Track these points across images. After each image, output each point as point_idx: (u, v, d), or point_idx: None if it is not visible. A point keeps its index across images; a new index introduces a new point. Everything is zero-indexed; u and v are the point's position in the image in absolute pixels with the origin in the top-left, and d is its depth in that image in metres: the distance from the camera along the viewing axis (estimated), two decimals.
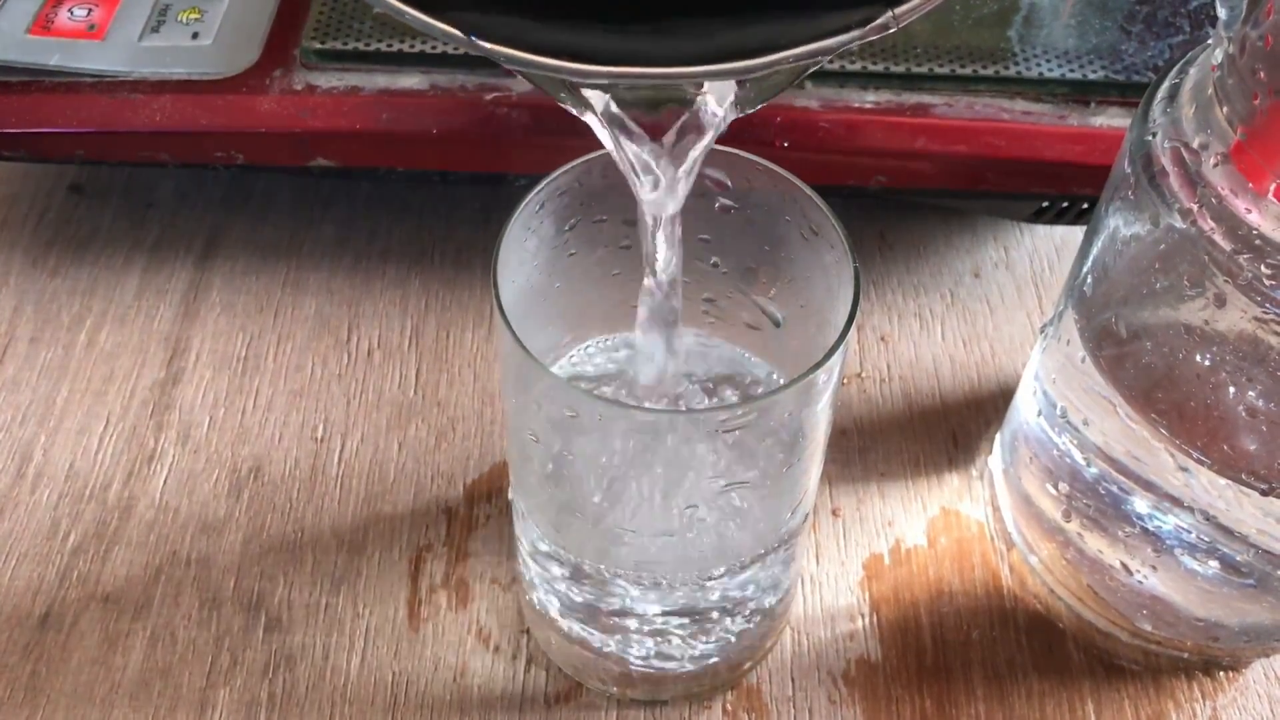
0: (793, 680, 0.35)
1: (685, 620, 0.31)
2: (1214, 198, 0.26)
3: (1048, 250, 0.46)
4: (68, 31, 0.41)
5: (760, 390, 0.32)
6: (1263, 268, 0.25)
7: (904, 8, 0.20)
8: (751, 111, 0.24)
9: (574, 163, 0.27)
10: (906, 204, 0.45)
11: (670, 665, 0.33)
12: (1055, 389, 0.33)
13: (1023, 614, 0.37)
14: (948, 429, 0.41)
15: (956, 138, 0.39)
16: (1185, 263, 0.27)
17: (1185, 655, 0.35)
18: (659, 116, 0.24)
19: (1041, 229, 0.47)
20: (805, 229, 0.28)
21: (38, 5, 0.42)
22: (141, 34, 0.41)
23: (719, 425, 0.25)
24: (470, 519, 0.38)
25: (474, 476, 0.39)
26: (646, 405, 0.30)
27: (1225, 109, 0.26)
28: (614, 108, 0.24)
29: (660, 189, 0.25)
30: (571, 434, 0.26)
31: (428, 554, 0.38)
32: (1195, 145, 0.27)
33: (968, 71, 0.40)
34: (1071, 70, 0.39)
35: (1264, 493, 0.29)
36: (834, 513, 0.39)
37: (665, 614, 0.31)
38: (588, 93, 0.24)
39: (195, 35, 0.41)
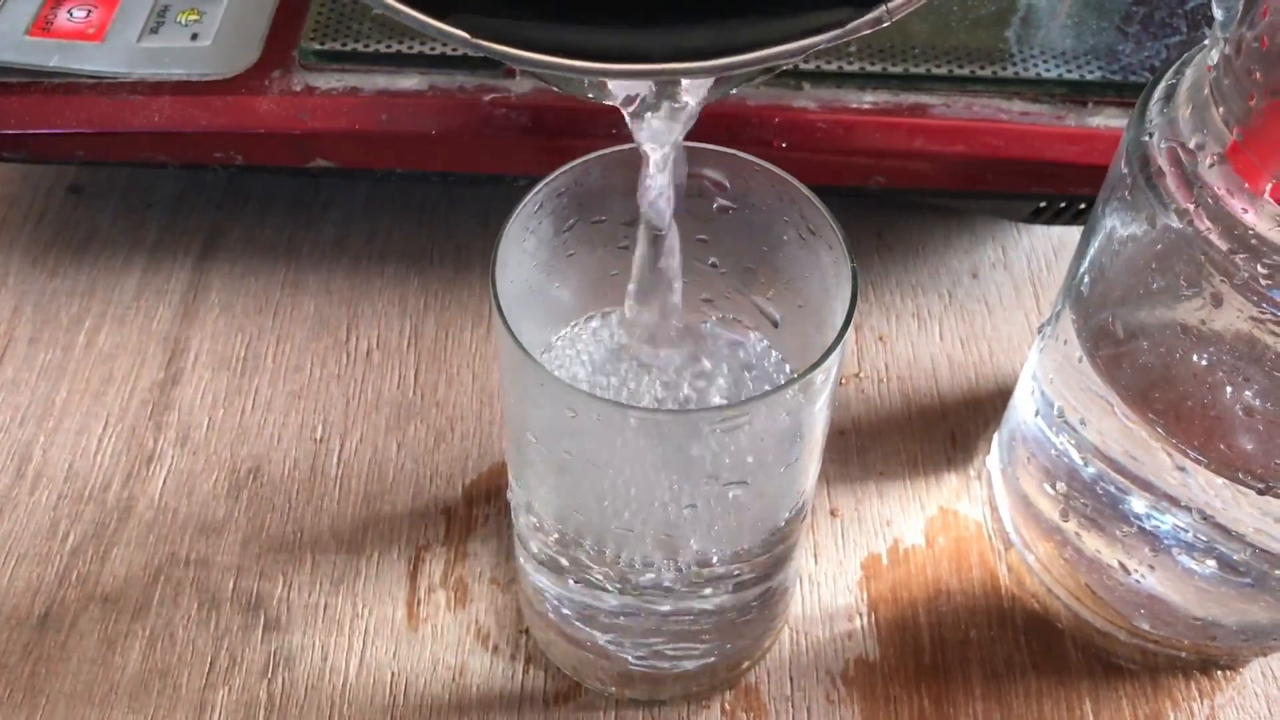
0: (791, 680, 0.35)
1: (684, 619, 0.31)
2: (1210, 198, 0.26)
3: (1045, 250, 0.46)
4: (67, 32, 0.41)
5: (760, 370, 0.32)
6: (1259, 267, 0.25)
7: (897, 1, 0.20)
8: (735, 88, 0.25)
9: (572, 163, 0.27)
10: (904, 204, 0.45)
11: (668, 665, 0.33)
12: (1053, 389, 0.33)
13: (1021, 613, 0.37)
14: (946, 429, 0.41)
15: (954, 138, 0.39)
16: (1182, 262, 0.27)
17: (1183, 654, 0.35)
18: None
19: (1039, 229, 0.47)
20: (803, 229, 0.28)
21: (37, 6, 0.42)
22: (141, 35, 0.41)
23: (717, 425, 0.25)
24: (469, 519, 0.38)
25: (473, 477, 0.39)
26: (645, 405, 0.30)
27: (1221, 109, 0.26)
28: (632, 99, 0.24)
29: (659, 121, 0.25)
30: (569, 433, 0.26)
31: (426, 554, 0.38)
32: (1192, 145, 0.27)
33: (965, 72, 0.40)
34: (1069, 71, 0.40)
35: (1261, 492, 0.29)
36: (832, 512, 0.39)
37: (664, 613, 0.31)
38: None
39: (194, 36, 0.41)
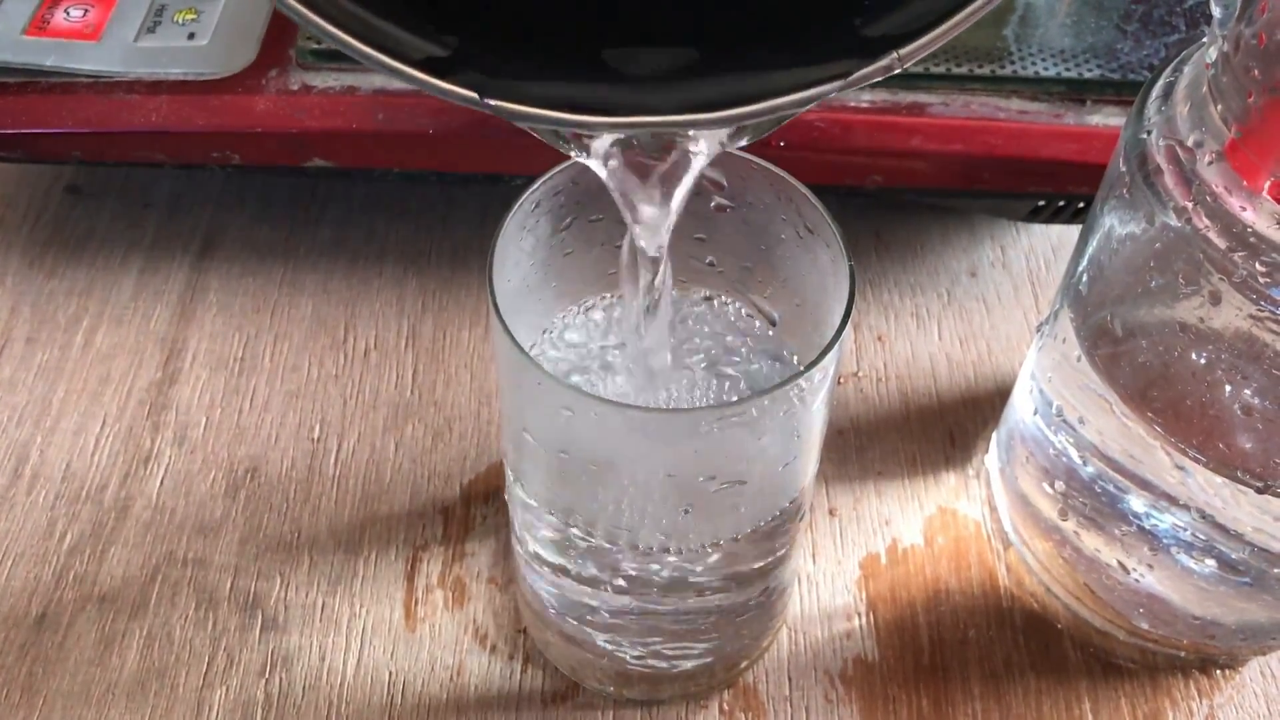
0: (789, 679, 0.35)
1: (682, 620, 0.31)
2: (1209, 196, 0.26)
3: (1044, 249, 0.46)
4: (64, 32, 0.41)
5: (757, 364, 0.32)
6: (1257, 265, 0.25)
7: (908, 49, 0.20)
8: (754, 140, 0.25)
9: (569, 162, 0.27)
10: (903, 203, 0.45)
11: (667, 664, 0.33)
12: (1051, 388, 0.33)
13: (1019, 613, 0.37)
14: (944, 428, 0.41)
15: (952, 137, 0.39)
16: (1180, 261, 0.27)
17: (1182, 654, 0.35)
18: (659, 153, 0.24)
19: (1038, 228, 0.47)
20: (801, 228, 0.28)
21: (34, 5, 0.42)
22: (138, 34, 0.41)
23: (714, 424, 0.25)
24: (467, 519, 0.38)
25: (471, 476, 0.39)
26: (643, 404, 0.30)
27: (1220, 107, 0.26)
28: (612, 153, 0.24)
29: (652, 217, 0.25)
30: (567, 432, 0.26)
31: (424, 554, 0.38)
32: (1190, 143, 0.27)
33: (963, 70, 0.40)
34: (1067, 69, 0.40)
35: (1260, 490, 0.29)
36: (831, 512, 0.39)
37: (662, 612, 0.31)
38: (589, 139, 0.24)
39: (191, 35, 0.41)
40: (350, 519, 0.38)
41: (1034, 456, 0.35)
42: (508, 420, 0.29)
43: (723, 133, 0.24)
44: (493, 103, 0.21)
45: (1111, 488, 0.32)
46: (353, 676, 0.35)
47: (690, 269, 0.31)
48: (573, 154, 0.25)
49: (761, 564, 0.31)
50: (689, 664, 0.33)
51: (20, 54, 0.41)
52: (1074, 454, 0.33)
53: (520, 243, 0.28)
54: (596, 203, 0.29)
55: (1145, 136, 0.28)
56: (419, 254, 0.46)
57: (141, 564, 0.37)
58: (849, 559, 0.38)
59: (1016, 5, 0.41)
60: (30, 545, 0.38)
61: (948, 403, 0.42)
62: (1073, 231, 0.46)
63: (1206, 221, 0.26)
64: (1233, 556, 0.31)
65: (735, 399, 0.31)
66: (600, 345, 0.32)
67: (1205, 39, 0.27)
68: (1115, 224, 0.29)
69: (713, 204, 0.29)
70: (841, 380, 0.42)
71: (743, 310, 0.32)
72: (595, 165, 0.25)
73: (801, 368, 0.25)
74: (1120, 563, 0.33)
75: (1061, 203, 0.41)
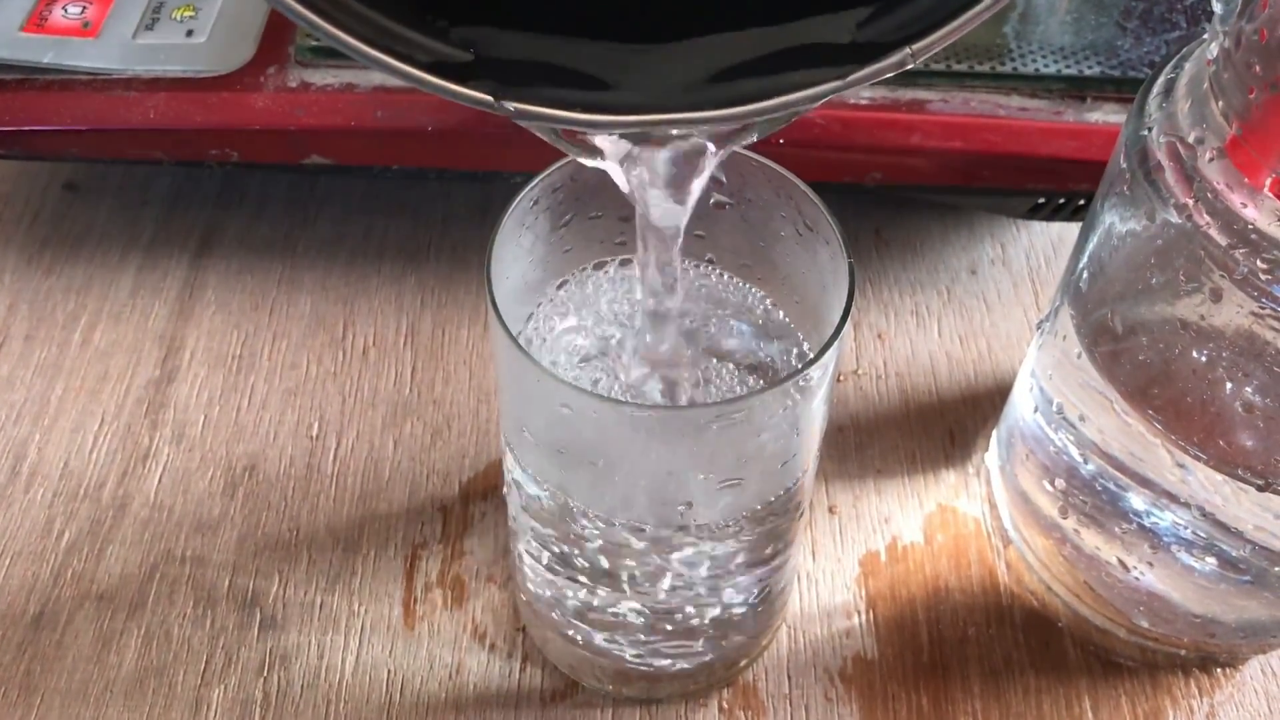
0: (789, 678, 0.35)
1: (681, 618, 0.31)
2: (1210, 192, 0.26)
3: (1044, 246, 0.46)
4: (62, 29, 0.41)
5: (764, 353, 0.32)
6: (1259, 262, 0.25)
7: (921, 44, 0.20)
8: (763, 137, 0.25)
9: (568, 159, 0.27)
10: (903, 200, 0.45)
11: (666, 663, 0.33)
12: (1052, 385, 0.33)
13: (1019, 611, 0.37)
14: (944, 426, 0.41)
15: (952, 134, 0.39)
16: (1181, 258, 0.27)
17: (1182, 652, 0.35)
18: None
19: (1038, 225, 0.47)
20: (800, 225, 0.28)
21: (32, 2, 0.42)
22: (136, 31, 0.41)
23: (713, 421, 0.25)
24: (466, 517, 0.38)
25: (469, 474, 0.39)
26: (642, 402, 0.30)
27: (1221, 104, 0.26)
28: (626, 154, 0.24)
29: (666, 216, 0.25)
30: (566, 429, 0.26)
31: (423, 552, 0.37)
32: (1191, 140, 0.26)
33: (963, 67, 0.40)
34: (1067, 66, 0.39)
35: (1261, 488, 0.29)
36: (830, 510, 0.39)
37: (660, 610, 0.31)
38: (599, 141, 0.24)
39: (190, 33, 0.41)
40: (349, 517, 0.38)
41: (1034, 454, 0.35)
42: (507, 417, 0.28)
43: (731, 129, 0.24)
44: (509, 105, 0.20)
45: (1112, 485, 0.32)
46: (351, 675, 0.35)
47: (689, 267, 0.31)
48: (585, 160, 0.25)
49: (761, 561, 0.31)
50: (688, 662, 0.33)
51: (18, 51, 0.40)
52: (1074, 451, 0.33)
53: (519, 240, 0.28)
54: (595, 199, 0.29)
55: (1146, 133, 0.28)
56: (418, 251, 0.46)
57: (139, 562, 0.37)
58: (849, 557, 0.38)
59: (1017, 2, 0.41)
60: (28, 543, 0.38)
61: (948, 400, 0.42)
62: (1073, 229, 0.46)
63: (1207, 218, 0.26)
64: (1233, 554, 0.31)
65: (735, 397, 0.31)
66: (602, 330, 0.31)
67: (1206, 35, 0.27)
68: (1116, 221, 0.29)
69: (712, 201, 0.29)
70: (841, 378, 0.42)
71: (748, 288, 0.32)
72: (610, 168, 0.25)
73: (801, 365, 0.24)
74: (1120, 560, 0.33)
75: (1061, 200, 0.41)
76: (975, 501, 0.39)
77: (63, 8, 0.42)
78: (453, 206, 0.47)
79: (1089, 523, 0.34)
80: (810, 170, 0.28)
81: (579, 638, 0.33)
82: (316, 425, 0.41)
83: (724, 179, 0.28)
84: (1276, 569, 0.31)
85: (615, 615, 0.31)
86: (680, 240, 0.26)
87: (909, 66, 0.21)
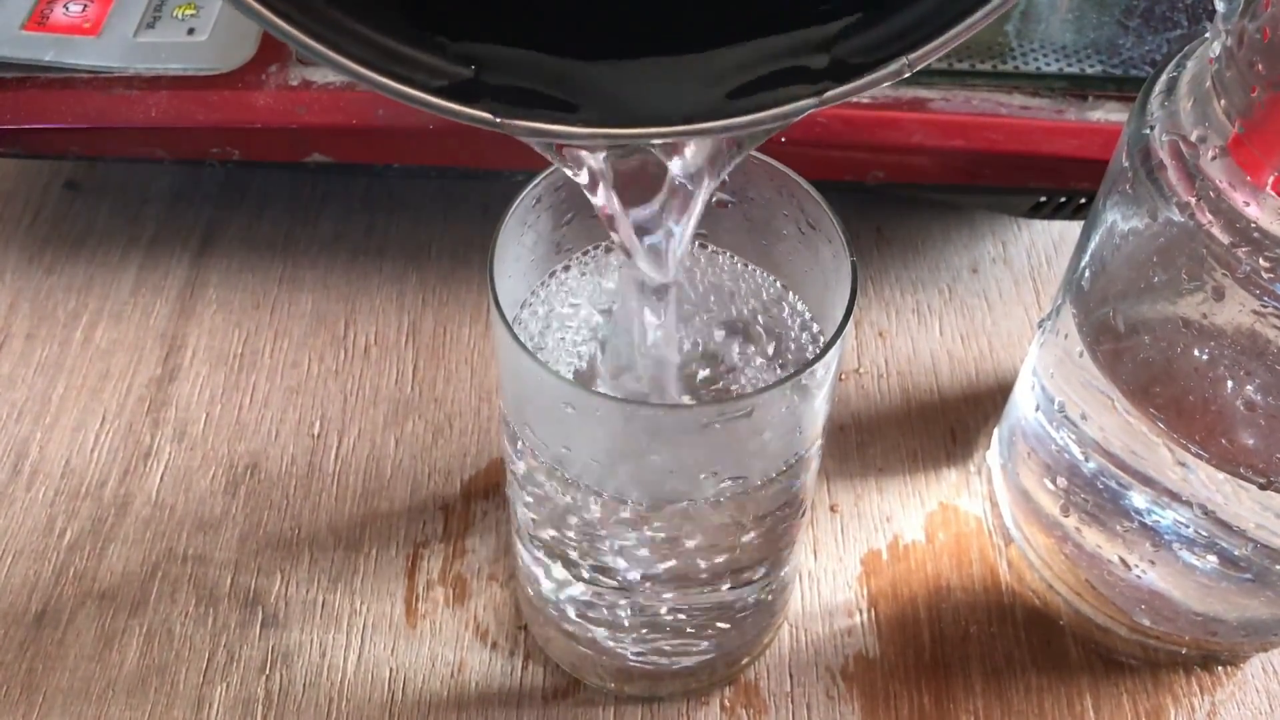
0: (791, 676, 0.35)
1: (683, 616, 0.31)
2: (1212, 191, 0.26)
3: (1045, 245, 0.46)
4: (63, 27, 0.41)
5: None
6: (1261, 261, 0.25)
7: (918, 53, 0.20)
8: (754, 147, 0.25)
9: None
10: (904, 199, 0.45)
11: (667, 661, 0.33)
12: (1053, 384, 0.33)
13: (1021, 609, 0.37)
14: (946, 424, 0.41)
15: (954, 133, 0.39)
16: (1183, 256, 0.27)
17: (1183, 650, 0.35)
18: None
19: (1039, 224, 0.47)
20: (803, 224, 0.28)
21: (33, 0, 0.42)
22: (137, 30, 0.41)
23: (716, 420, 0.25)
24: (467, 515, 0.38)
25: (471, 473, 0.39)
26: (641, 401, 0.30)
27: (1223, 102, 0.26)
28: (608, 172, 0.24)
29: (655, 255, 0.25)
30: (568, 428, 0.26)
31: (425, 550, 0.37)
32: (1193, 138, 0.26)
33: (965, 66, 0.40)
34: (1069, 65, 0.39)
35: (1262, 487, 0.29)
36: (832, 508, 0.39)
37: (663, 610, 0.31)
38: (590, 162, 0.24)
39: (191, 31, 0.41)
40: (350, 515, 0.38)
41: (1035, 452, 0.35)
42: (508, 414, 0.28)
43: (722, 146, 0.24)
44: (512, 123, 0.21)
45: (1113, 484, 0.32)
46: (353, 673, 0.35)
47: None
48: (572, 175, 0.25)
49: (763, 560, 0.31)
50: (690, 660, 0.33)
51: (19, 49, 0.40)
52: (1076, 450, 0.33)
53: (521, 239, 0.28)
54: None
55: (1148, 132, 0.28)
56: (419, 250, 0.46)
57: (141, 561, 0.37)
58: (850, 555, 0.38)
59: (1018, 1, 0.41)
60: (30, 542, 0.38)
61: (949, 399, 0.42)
62: (1074, 227, 0.46)
63: (1210, 217, 0.26)
64: (1235, 553, 0.31)
65: (736, 396, 0.31)
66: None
67: (1208, 34, 0.27)
68: (1118, 219, 0.29)
69: (715, 200, 0.29)
70: (843, 377, 0.42)
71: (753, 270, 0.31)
72: (591, 190, 0.25)
73: (803, 364, 0.24)
74: (1122, 559, 0.33)
75: (1063, 199, 0.41)
76: (977, 500, 0.39)
77: (64, 6, 0.42)
78: (454, 205, 0.47)
79: (1090, 521, 0.34)
80: (812, 169, 0.28)
81: (581, 635, 0.33)
82: (318, 424, 0.41)
83: (727, 178, 0.28)
84: (1278, 567, 0.31)
85: (617, 613, 0.31)
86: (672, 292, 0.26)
87: (906, 76, 0.21)
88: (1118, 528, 0.33)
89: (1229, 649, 0.35)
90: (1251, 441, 0.29)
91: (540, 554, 0.31)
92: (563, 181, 0.28)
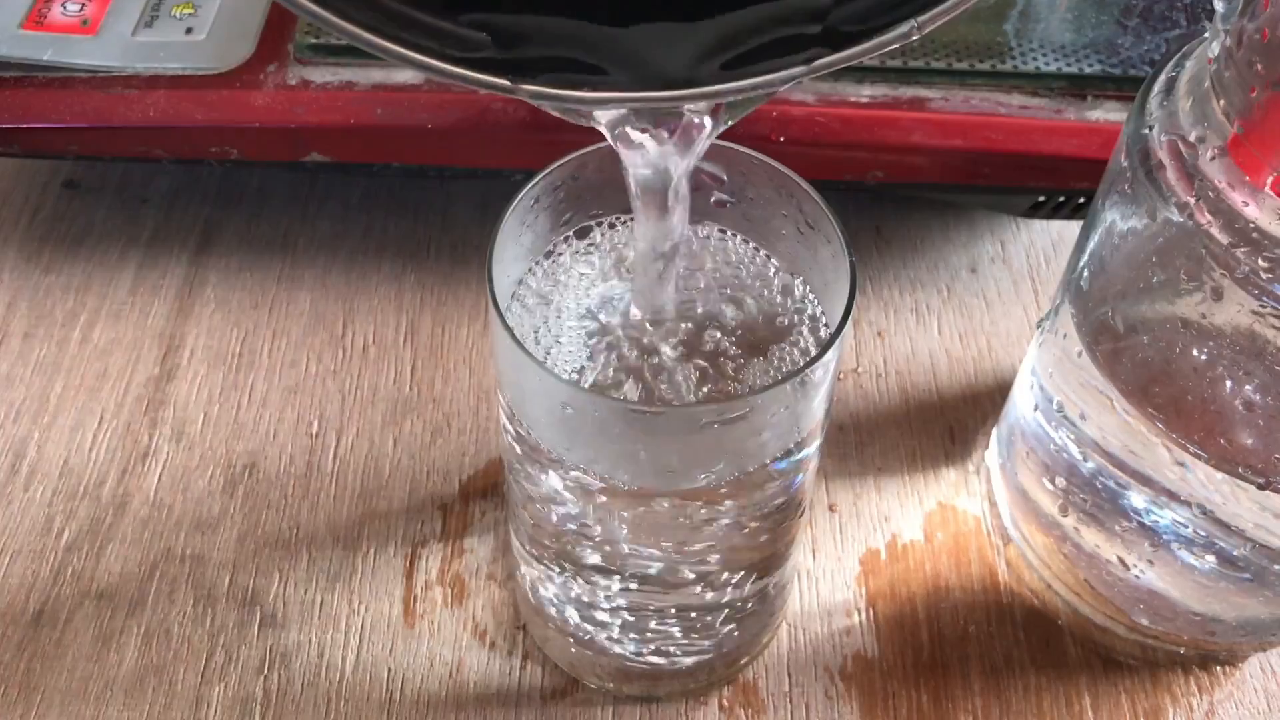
0: (789, 676, 0.35)
1: (681, 615, 0.31)
2: (1211, 191, 0.26)
3: (1044, 245, 0.46)
4: (61, 26, 0.41)
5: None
6: (1260, 261, 0.25)
7: (927, 15, 0.20)
8: (746, 113, 0.25)
9: (569, 157, 0.27)
10: (903, 198, 0.45)
11: (666, 661, 0.33)
12: (1052, 384, 0.33)
13: (1020, 609, 0.37)
14: (944, 424, 0.41)
15: (953, 132, 0.39)
16: (1182, 256, 0.27)
17: (1182, 650, 0.35)
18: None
19: (1038, 223, 0.47)
20: (801, 223, 0.28)
21: (31, 0, 0.42)
22: (135, 29, 0.41)
23: (714, 419, 0.25)
24: (466, 515, 0.38)
25: (469, 472, 0.39)
26: (642, 401, 0.30)
27: (1222, 102, 0.26)
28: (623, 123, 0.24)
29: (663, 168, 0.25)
30: (566, 426, 0.26)
31: (423, 550, 0.37)
32: (1192, 138, 0.26)
33: (964, 65, 0.39)
34: (1068, 64, 0.39)
35: (1261, 487, 0.29)
36: (830, 508, 0.39)
37: (660, 608, 0.31)
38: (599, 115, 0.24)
39: (189, 30, 0.41)
40: (349, 515, 0.38)
41: (1034, 452, 0.35)
42: (506, 414, 0.28)
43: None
44: (528, 88, 0.21)
45: (1112, 484, 0.32)
46: (351, 673, 0.35)
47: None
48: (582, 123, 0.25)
49: (761, 560, 0.31)
50: (688, 660, 0.33)
51: (17, 48, 0.40)
52: (1074, 450, 0.33)
53: (519, 238, 0.28)
54: (596, 198, 0.29)
55: (1147, 131, 0.28)
56: (418, 249, 0.46)
57: (139, 560, 0.37)
58: (849, 555, 0.38)
59: (1017, 0, 0.41)
60: (28, 541, 0.38)
61: (948, 398, 0.42)
62: (1073, 227, 0.46)
63: (1209, 217, 0.26)
64: (1233, 553, 0.31)
65: (735, 395, 0.31)
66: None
67: (1207, 34, 0.27)
68: (1117, 219, 0.29)
69: (713, 199, 0.29)
70: (841, 376, 0.42)
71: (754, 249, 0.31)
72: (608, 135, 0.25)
73: (802, 364, 0.24)
74: (1120, 558, 0.33)
75: (1062, 198, 0.41)
76: (975, 499, 0.39)
77: (62, 5, 0.42)
78: (452, 205, 0.47)
79: (1089, 521, 0.34)
80: (811, 168, 0.28)
81: (579, 635, 0.33)
82: (316, 423, 0.41)
83: (725, 177, 0.28)
84: (1276, 567, 0.31)
85: (615, 613, 0.31)
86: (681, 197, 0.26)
87: (914, 39, 0.21)
88: (1116, 527, 0.33)
89: (1227, 648, 0.35)
90: (1250, 441, 0.29)
91: (539, 554, 0.31)
92: (561, 182, 0.28)
